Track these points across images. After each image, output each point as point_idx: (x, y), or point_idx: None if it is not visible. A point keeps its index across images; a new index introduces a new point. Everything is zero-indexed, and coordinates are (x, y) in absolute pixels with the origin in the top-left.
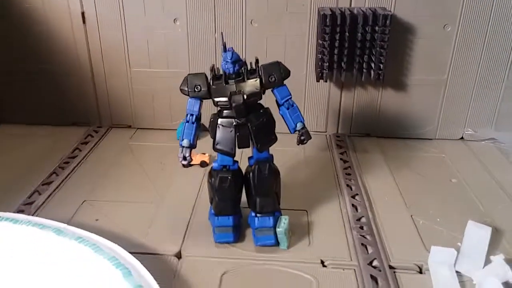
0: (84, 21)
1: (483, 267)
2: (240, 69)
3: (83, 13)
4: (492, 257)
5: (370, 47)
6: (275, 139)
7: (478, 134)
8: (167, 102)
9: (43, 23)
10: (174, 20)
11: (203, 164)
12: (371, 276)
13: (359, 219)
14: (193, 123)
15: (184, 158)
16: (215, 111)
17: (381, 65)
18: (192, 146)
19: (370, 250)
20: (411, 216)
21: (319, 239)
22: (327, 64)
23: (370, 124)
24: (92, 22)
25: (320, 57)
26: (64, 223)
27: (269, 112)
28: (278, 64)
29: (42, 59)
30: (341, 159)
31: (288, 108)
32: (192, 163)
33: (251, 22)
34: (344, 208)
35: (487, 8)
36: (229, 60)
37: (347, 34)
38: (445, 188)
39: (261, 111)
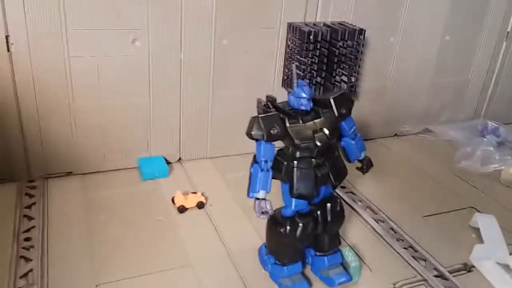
0: (8, 48)
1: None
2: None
3: (7, 37)
4: None
5: (343, 61)
6: (347, 172)
7: (411, 129)
8: (118, 138)
9: None
10: (133, 40)
11: (200, 205)
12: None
13: (388, 232)
14: (268, 170)
15: (263, 213)
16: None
17: (353, 78)
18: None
19: (422, 262)
20: (422, 217)
21: (375, 262)
22: (307, 80)
23: None
24: (21, 47)
25: (301, 74)
26: None
27: (337, 145)
28: (346, 95)
29: None
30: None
31: (353, 139)
32: (187, 206)
33: (220, 40)
34: (367, 224)
35: (419, 21)
36: (306, 97)
37: (325, 50)
38: (421, 183)
39: (332, 146)
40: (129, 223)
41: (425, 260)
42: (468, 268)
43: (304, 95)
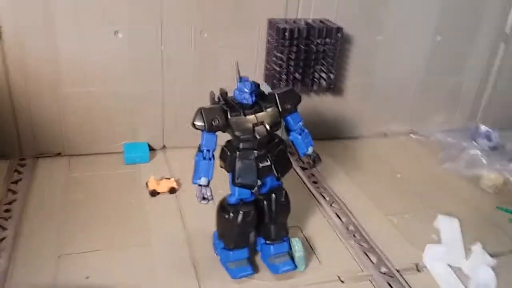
0: (0, 36)
1: (466, 257)
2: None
3: None
4: (472, 247)
5: (322, 58)
6: (291, 166)
7: (399, 129)
8: (105, 123)
9: None
10: (115, 32)
11: (172, 190)
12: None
13: (347, 228)
14: (210, 159)
15: (204, 198)
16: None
17: (331, 75)
18: (209, 183)
19: (373, 258)
20: (385, 216)
21: (326, 255)
22: (285, 76)
23: (311, 128)
24: (11, 36)
25: (278, 69)
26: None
27: (283, 139)
28: (292, 91)
29: None
30: (300, 166)
31: (300, 134)
32: (159, 191)
33: (200, 33)
34: (329, 218)
35: (407, 20)
36: (247, 91)
37: (302, 47)
38: (396, 184)
39: (277, 140)
40: (102, 202)
41: (376, 257)
42: (419, 268)
43: (246, 90)
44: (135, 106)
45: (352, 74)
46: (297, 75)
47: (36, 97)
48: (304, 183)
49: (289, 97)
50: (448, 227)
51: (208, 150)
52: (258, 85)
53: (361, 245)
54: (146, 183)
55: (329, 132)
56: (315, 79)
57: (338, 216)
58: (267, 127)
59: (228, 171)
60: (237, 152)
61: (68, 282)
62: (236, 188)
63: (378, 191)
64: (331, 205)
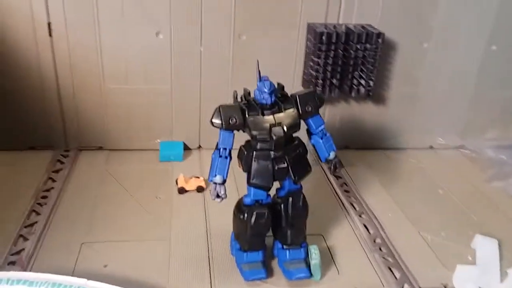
0: (50, 33)
1: (501, 280)
2: (276, 99)
3: (49, 24)
4: (508, 270)
5: (362, 64)
6: (310, 170)
7: (447, 142)
8: (145, 121)
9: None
10: (157, 33)
11: (199, 189)
12: None
13: (374, 240)
14: (226, 157)
15: (218, 196)
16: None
17: (371, 82)
18: (224, 182)
19: (397, 274)
20: (419, 232)
21: (346, 266)
22: (321, 81)
23: (350, 137)
24: (60, 33)
25: (315, 74)
26: (69, 273)
27: (303, 142)
28: (314, 93)
29: None
30: (334, 175)
31: (321, 138)
32: (187, 189)
33: (239, 36)
34: (356, 229)
35: (458, 27)
36: (266, 91)
37: (340, 52)
38: (436, 200)
39: (296, 142)
40: (131, 196)
41: (400, 273)
42: None
43: (265, 89)
44: (174, 106)
45: (395, 82)
46: (334, 80)
47: (81, 92)
48: (335, 191)
49: (310, 99)
50: (486, 247)
51: (225, 149)
52: (283, 86)
53: (386, 259)
54: (176, 181)
55: (370, 142)
56: (353, 86)
57: (366, 227)
58: (285, 128)
59: (244, 171)
60: (254, 152)
61: (86, 268)
62: (252, 189)
63: (415, 205)
64: (360, 216)
